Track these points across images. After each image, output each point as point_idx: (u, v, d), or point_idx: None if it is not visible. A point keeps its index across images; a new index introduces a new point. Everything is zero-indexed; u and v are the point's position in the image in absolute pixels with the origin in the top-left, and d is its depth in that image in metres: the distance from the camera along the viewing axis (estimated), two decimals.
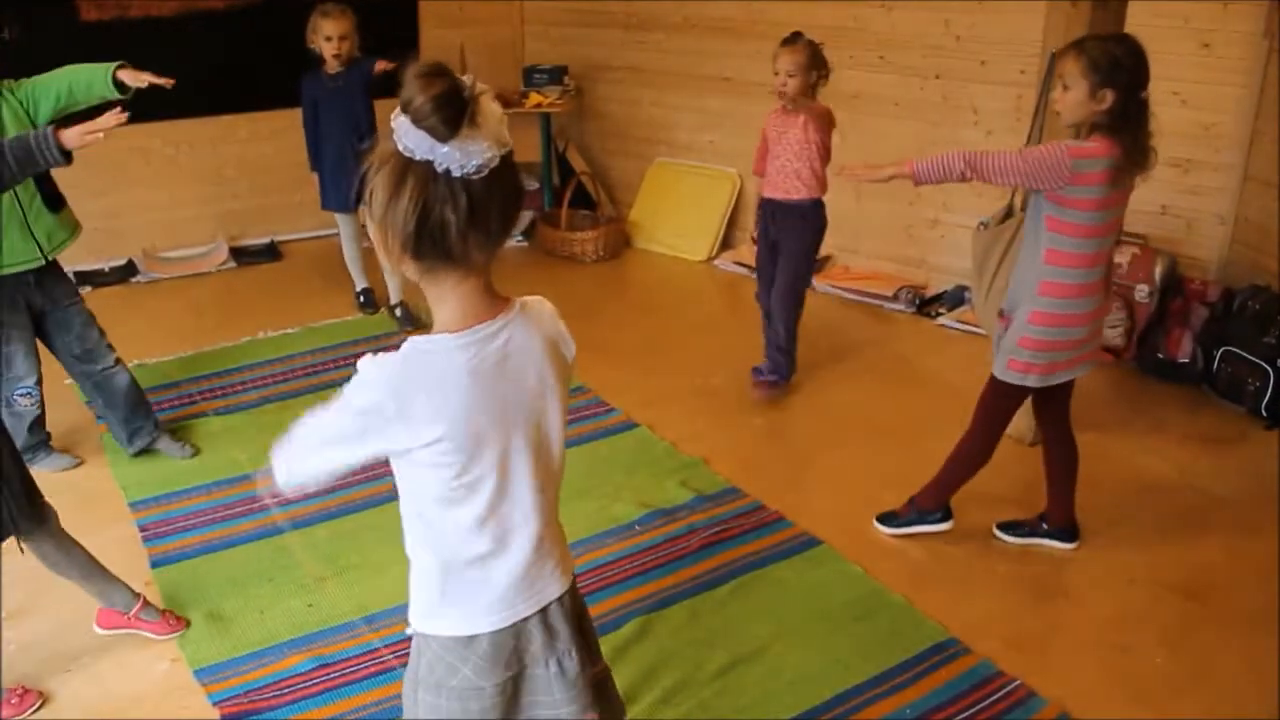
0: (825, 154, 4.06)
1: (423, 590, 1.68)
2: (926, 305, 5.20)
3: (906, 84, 5.26)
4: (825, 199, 4.15)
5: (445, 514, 1.59)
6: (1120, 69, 2.73)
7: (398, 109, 1.41)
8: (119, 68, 3.59)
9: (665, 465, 3.72)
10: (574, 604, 1.77)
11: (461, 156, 1.39)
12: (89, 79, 3.59)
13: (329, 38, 4.79)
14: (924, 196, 5.33)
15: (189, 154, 6.11)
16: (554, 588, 1.71)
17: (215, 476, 3.71)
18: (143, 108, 5.76)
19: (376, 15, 5.21)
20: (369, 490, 3.54)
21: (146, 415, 3.88)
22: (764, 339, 4.38)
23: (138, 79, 3.63)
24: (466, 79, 1.41)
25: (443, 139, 1.38)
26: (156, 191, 6.05)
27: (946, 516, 3.34)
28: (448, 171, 1.39)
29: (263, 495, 1.83)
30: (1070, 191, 2.77)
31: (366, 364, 1.51)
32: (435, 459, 1.53)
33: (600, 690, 1.83)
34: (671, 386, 4.29)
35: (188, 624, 2.96)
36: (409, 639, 1.77)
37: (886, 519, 3.38)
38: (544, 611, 1.70)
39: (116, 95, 3.60)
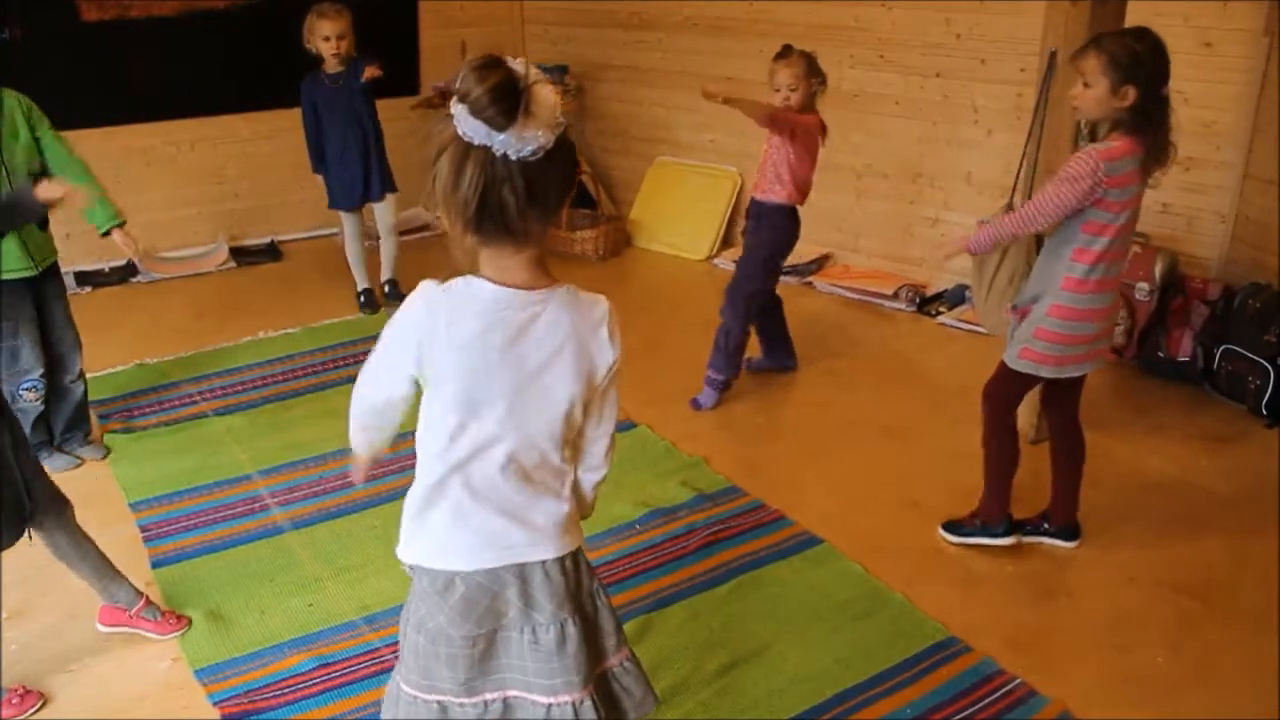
0: (802, 165, 4.03)
1: (407, 515, 1.79)
2: (927, 304, 5.20)
3: (907, 83, 5.26)
4: (801, 208, 4.13)
5: (432, 442, 1.72)
6: (1141, 65, 2.71)
7: (455, 97, 1.49)
8: (118, 226, 3.74)
9: (665, 464, 3.72)
10: (568, 583, 1.80)
11: (518, 142, 1.48)
12: (91, 207, 3.65)
13: (327, 38, 4.82)
14: (924, 196, 5.33)
15: (189, 154, 6.12)
16: (533, 551, 1.76)
17: (216, 477, 3.71)
18: (142, 107, 5.82)
19: (377, 15, 5.22)
20: (370, 490, 3.54)
21: (82, 428, 3.96)
22: (754, 330, 4.40)
23: (126, 244, 3.77)
24: (518, 65, 1.50)
25: (500, 128, 1.47)
26: (157, 191, 6.05)
27: (1009, 531, 3.24)
28: (505, 155, 1.49)
29: (357, 471, 2.04)
30: (1108, 194, 2.75)
31: (425, 283, 1.67)
32: (440, 378, 1.67)
33: (606, 684, 1.87)
34: (671, 385, 4.29)
35: (189, 622, 2.95)
36: None
37: (952, 527, 3.31)
38: (523, 577, 1.76)
39: (101, 226, 3.75)
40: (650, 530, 3.32)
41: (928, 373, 4.51)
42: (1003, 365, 3.10)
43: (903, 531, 3.38)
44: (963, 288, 5.15)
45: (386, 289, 5.37)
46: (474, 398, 1.65)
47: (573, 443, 1.81)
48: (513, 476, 1.72)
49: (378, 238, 5.35)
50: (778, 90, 3.96)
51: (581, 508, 1.91)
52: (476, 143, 1.49)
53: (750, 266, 4.19)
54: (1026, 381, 3.10)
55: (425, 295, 1.65)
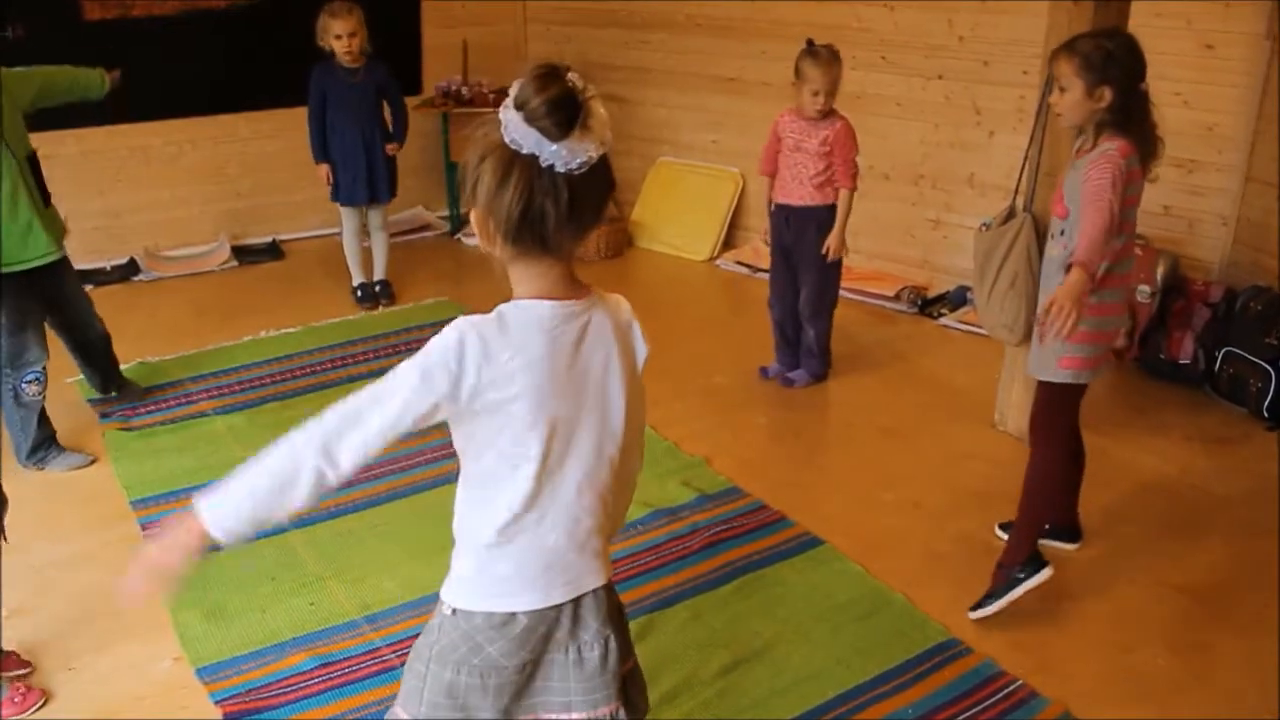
0: (856, 172, 4.10)
1: (464, 563, 1.73)
2: (929, 306, 5.20)
3: (909, 84, 5.27)
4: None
5: (498, 483, 1.64)
6: (1114, 63, 2.69)
7: (507, 103, 1.47)
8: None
9: (667, 465, 3.72)
10: (609, 600, 1.79)
11: (568, 155, 1.46)
12: (75, 77, 3.88)
13: (339, 36, 4.86)
14: (925, 198, 5.34)
15: (191, 153, 6.11)
16: (591, 579, 1.74)
17: (217, 475, 3.63)
18: (144, 106, 5.82)
19: (379, 15, 5.21)
20: (371, 490, 3.56)
21: (115, 370, 4.21)
22: (775, 341, 4.43)
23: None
24: (575, 79, 1.47)
25: (554, 139, 1.45)
26: (158, 190, 6.05)
27: (1042, 565, 2.96)
28: (551, 166, 1.46)
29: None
30: (1127, 190, 2.72)
31: (459, 320, 1.58)
32: (506, 420, 1.59)
33: (626, 686, 1.86)
34: (673, 386, 4.29)
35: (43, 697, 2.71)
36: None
37: (982, 604, 2.96)
38: (577, 601, 1.73)
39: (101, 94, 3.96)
40: (652, 530, 3.32)
41: (929, 374, 4.52)
42: (1045, 388, 2.96)
43: (904, 533, 3.38)
44: (964, 289, 5.15)
45: (378, 289, 5.39)
46: (552, 424, 1.61)
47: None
48: (589, 498, 1.69)
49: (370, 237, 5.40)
50: (815, 94, 3.97)
51: (614, 523, 1.86)
52: (525, 151, 1.46)
53: (825, 275, 4.24)
54: (1074, 393, 2.95)
55: (474, 329, 1.56)
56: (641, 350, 1.73)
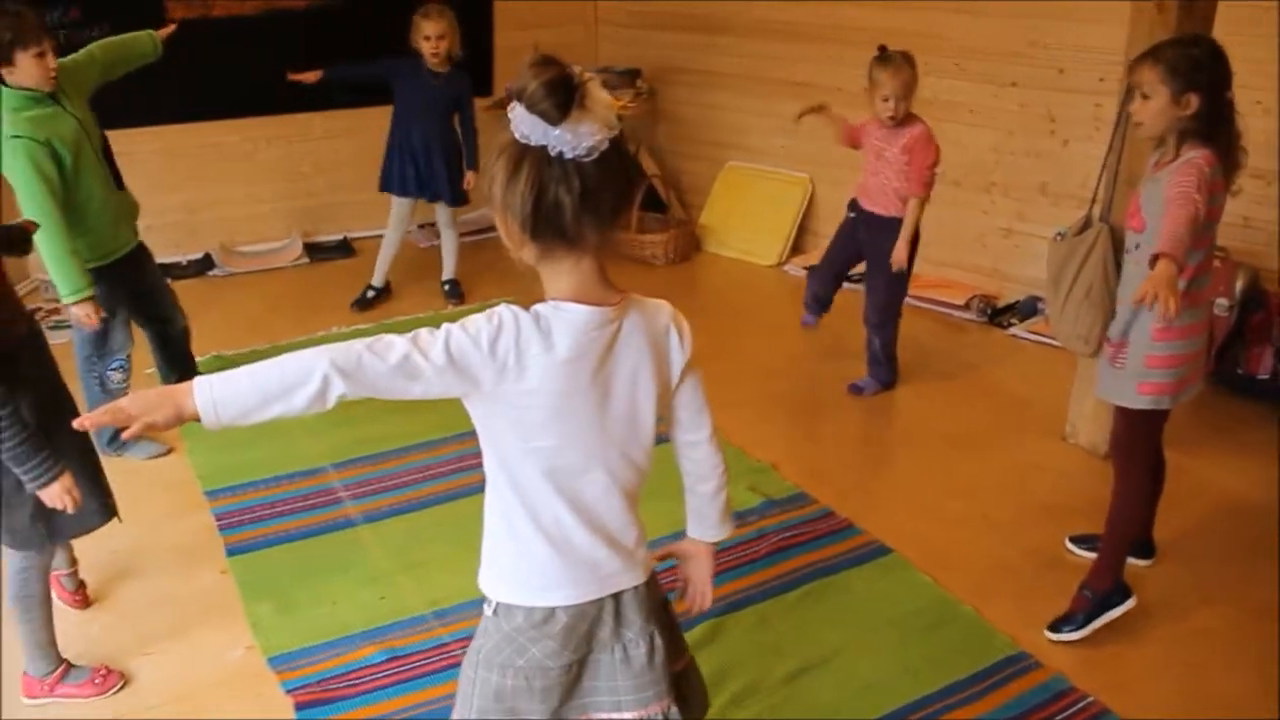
0: (930, 180, 4.07)
1: (497, 553, 1.75)
2: (998, 315, 5.15)
3: (982, 91, 5.21)
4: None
5: (517, 475, 1.66)
6: (1201, 70, 2.62)
7: (512, 99, 1.49)
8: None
9: (734, 469, 3.65)
10: (651, 596, 1.81)
11: (573, 139, 1.46)
12: (128, 45, 4.00)
13: (428, 37, 4.95)
14: (997, 206, 5.28)
15: (266, 150, 6.22)
16: (627, 577, 1.75)
17: (289, 469, 3.77)
18: (221, 104, 5.93)
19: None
20: (439, 487, 3.61)
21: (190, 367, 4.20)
22: (806, 298, 4.51)
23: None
24: (575, 68, 1.49)
25: (554, 122, 1.46)
26: (234, 187, 6.17)
27: (1127, 595, 2.93)
28: (560, 154, 1.47)
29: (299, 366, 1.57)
30: (1211, 201, 2.67)
31: (505, 306, 1.58)
32: (522, 413, 1.60)
33: (679, 685, 1.87)
34: (740, 391, 4.28)
35: (122, 679, 2.78)
36: None
37: (1061, 625, 2.94)
38: (617, 598, 1.75)
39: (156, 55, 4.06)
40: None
41: (999, 385, 4.47)
42: (1124, 413, 2.90)
43: (972, 543, 3.35)
44: (1035, 299, 5.09)
45: (447, 288, 5.44)
46: (570, 426, 1.62)
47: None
48: (615, 499, 1.71)
49: (439, 236, 5.48)
50: (885, 99, 3.95)
51: (710, 530, 1.94)
52: (533, 142, 1.48)
53: (896, 284, 4.23)
54: (1157, 418, 2.89)
55: (513, 318, 1.57)
56: (678, 357, 1.73)
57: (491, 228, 6.45)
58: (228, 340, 4.86)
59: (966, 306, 5.19)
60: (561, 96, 1.45)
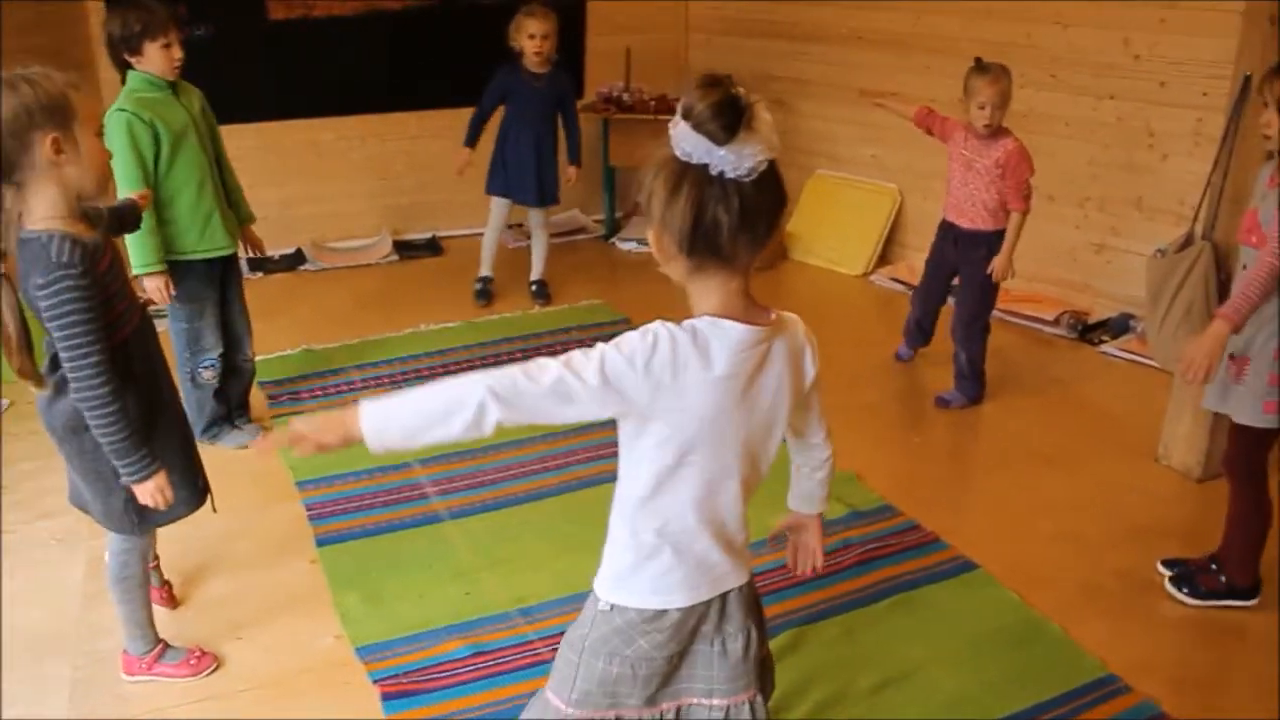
0: (1029, 194, 4.04)
1: (617, 561, 1.78)
2: (1089, 331, 5.06)
3: (1078, 103, 5.13)
4: None
5: (660, 486, 1.69)
6: None
7: (677, 116, 1.52)
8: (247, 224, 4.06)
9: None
10: (750, 592, 1.87)
11: (736, 159, 1.49)
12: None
13: (532, 35, 5.01)
14: (1091, 221, 5.20)
15: (360, 148, 6.33)
16: (735, 577, 1.81)
17: (377, 462, 3.81)
18: (319, 102, 6.05)
19: None
20: (525, 485, 3.65)
21: (245, 407, 4.14)
22: (906, 325, 4.55)
23: (248, 240, 4.12)
24: (740, 88, 1.51)
25: (720, 143, 1.48)
26: (328, 183, 6.29)
27: (1255, 591, 3.02)
28: (722, 174, 1.49)
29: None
30: None
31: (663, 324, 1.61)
32: (674, 431, 1.63)
33: (762, 670, 1.93)
34: (826, 399, 4.22)
35: (216, 661, 2.85)
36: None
37: (1183, 584, 3.08)
38: (724, 596, 1.81)
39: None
40: None
41: (1089, 402, 4.39)
42: (1243, 430, 2.86)
43: (1060, 562, 3.29)
44: (1127, 316, 5.00)
45: (534, 289, 5.49)
46: (718, 441, 1.65)
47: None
48: (740, 505, 1.75)
49: (529, 236, 5.53)
50: (981, 107, 3.93)
51: (815, 506, 2.07)
52: (695, 161, 1.50)
53: (985, 298, 4.21)
54: (1273, 435, 2.85)
55: (669, 337, 1.58)
56: (811, 371, 1.78)
57: (578, 230, 6.56)
58: (317, 334, 4.96)
59: (1056, 322, 5.11)
60: (729, 118, 1.47)
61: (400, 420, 1.62)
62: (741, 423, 1.66)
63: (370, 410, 1.62)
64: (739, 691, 1.85)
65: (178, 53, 3.53)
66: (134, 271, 3.55)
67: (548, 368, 1.58)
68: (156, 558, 3.01)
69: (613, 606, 1.78)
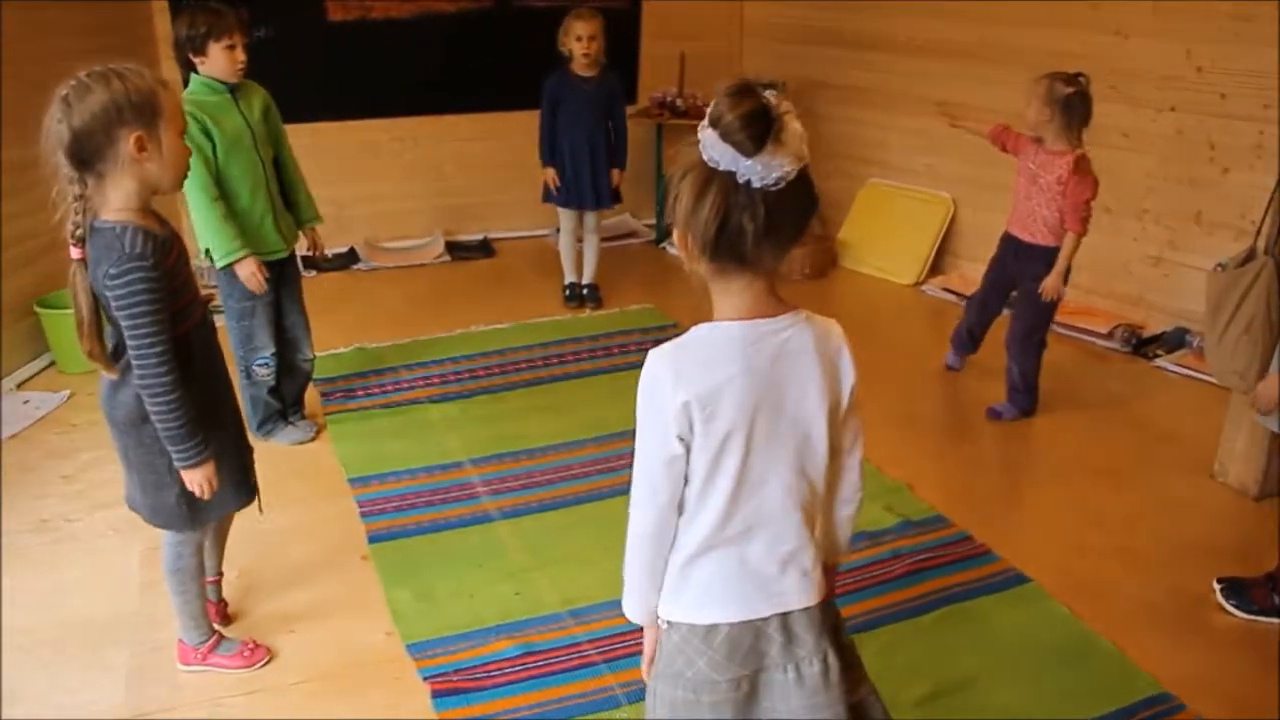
0: (1087, 215, 4.01)
1: (669, 574, 1.75)
2: (1143, 345, 5.00)
3: (1137, 115, 5.08)
4: None
5: (698, 495, 1.67)
6: None
7: (704, 122, 1.50)
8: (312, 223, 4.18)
9: (869, 488, 3.59)
10: (825, 617, 1.77)
11: (763, 170, 1.48)
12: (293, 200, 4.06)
13: (580, 37, 5.05)
14: (1147, 233, 5.14)
15: (414, 149, 6.40)
16: (797, 597, 1.73)
17: (429, 461, 3.86)
18: (375, 103, 6.11)
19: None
20: (575, 488, 3.66)
21: (296, 408, 4.17)
22: (954, 333, 4.52)
23: (309, 239, 4.22)
24: (771, 96, 1.49)
25: (748, 154, 1.47)
26: (381, 183, 6.36)
27: None
28: (748, 182, 1.48)
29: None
30: None
31: (650, 354, 1.64)
32: (706, 439, 1.61)
33: (857, 715, 1.85)
34: (876, 409, 4.24)
35: (269, 654, 2.90)
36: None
37: (1232, 596, 3.08)
38: (785, 617, 1.73)
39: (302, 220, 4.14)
40: (856, 552, 3.28)
41: (1143, 417, 4.35)
42: None
43: (1113, 578, 3.26)
44: (1183, 331, 4.94)
45: (585, 292, 5.51)
46: (743, 441, 1.62)
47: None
48: (791, 514, 1.69)
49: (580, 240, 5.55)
50: (1027, 104, 3.96)
51: (837, 550, 1.89)
52: (721, 168, 1.49)
53: (1039, 313, 4.16)
54: None
55: (663, 362, 1.61)
56: (849, 377, 1.71)
57: (629, 234, 6.58)
58: (369, 333, 5.01)
59: (1110, 335, 5.06)
60: (758, 129, 1.46)
61: (644, 588, 1.77)
62: (769, 420, 1.62)
63: (634, 610, 1.80)
64: None
65: (241, 55, 3.60)
66: (219, 264, 3.64)
67: (651, 481, 1.68)
68: (220, 574, 3.02)
69: (670, 623, 1.75)
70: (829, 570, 1.88)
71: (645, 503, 1.69)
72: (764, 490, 1.67)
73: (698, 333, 1.62)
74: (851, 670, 1.85)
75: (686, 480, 1.67)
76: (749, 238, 1.51)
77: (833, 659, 1.76)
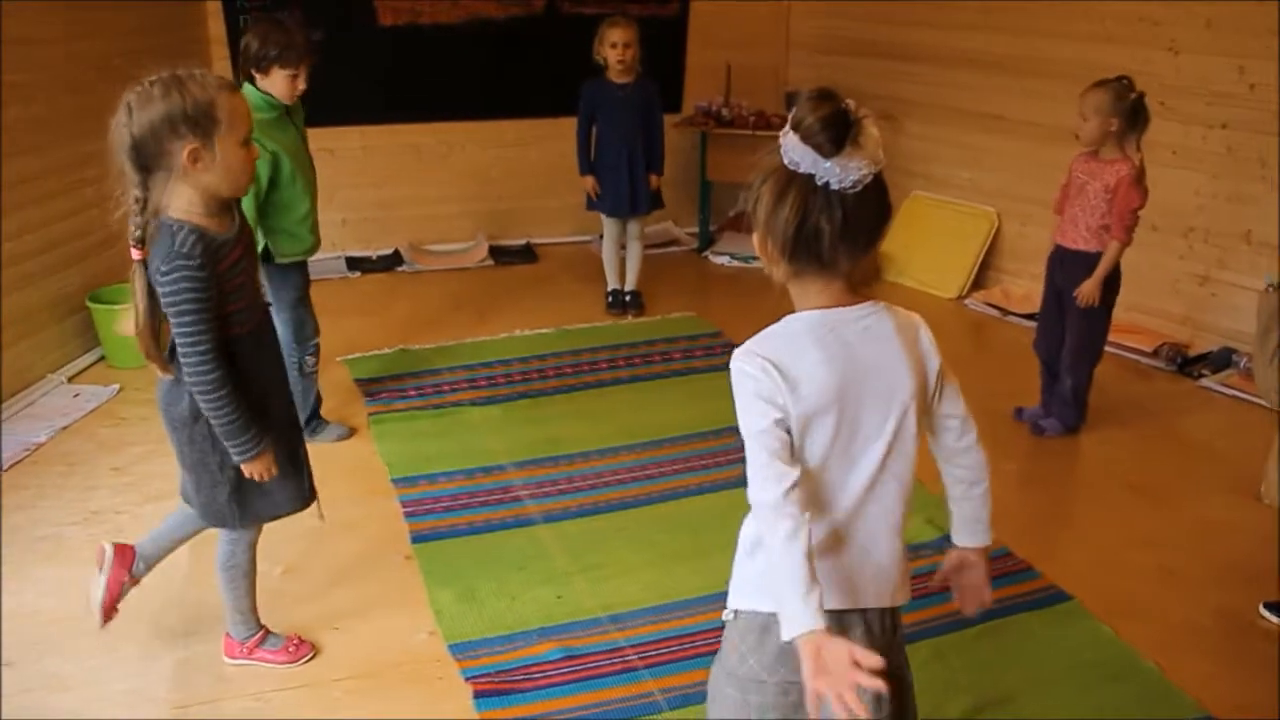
0: (1132, 225, 3.98)
1: (744, 565, 1.74)
2: (1189, 365, 4.96)
3: (1188, 132, 5.05)
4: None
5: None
6: None
7: (787, 126, 1.55)
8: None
9: (913, 501, 3.67)
10: (892, 621, 1.78)
11: (841, 172, 1.51)
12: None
13: (614, 44, 5.08)
14: (1195, 252, 5.10)
15: (459, 154, 6.45)
16: (874, 595, 1.73)
17: (472, 463, 3.88)
18: (421, 107, 6.17)
19: (647, 32, 5.37)
20: (618, 494, 3.69)
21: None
22: (1040, 385, 4.36)
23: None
24: (850, 103, 1.53)
25: (827, 155, 1.51)
26: (426, 187, 6.41)
27: None
28: (827, 185, 1.52)
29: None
30: None
31: (734, 352, 1.63)
32: (795, 424, 1.61)
33: None
34: None
35: (313, 650, 2.92)
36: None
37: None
38: (865, 623, 1.72)
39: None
40: None
41: (1187, 436, 4.31)
42: None
43: (1156, 598, 3.24)
44: (1229, 351, 4.90)
45: (628, 298, 5.54)
46: (832, 425, 1.62)
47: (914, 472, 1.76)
48: (877, 507, 1.69)
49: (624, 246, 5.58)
50: (1084, 119, 3.94)
51: (975, 535, 1.95)
52: (801, 170, 1.52)
53: (1092, 325, 4.15)
54: None
55: (750, 357, 1.60)
56: (933, 360, 1.73)
57: (672, 242, 6.60)
58: (412, 335, 5.06)
59: (1155, 354, 5.03)
60: (838, 131, 1.50)
61: (802, 598, 1.54)
62: (858, 403, 1.62)
63: (793, 628, 1.52)
64: None
65: (302, 84, 3.66)
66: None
67: (762, 470, 1.59)
68: (141, 578, 2.85)
69: (736, 613, 1.75)
70: (984, 555, 1.94)
71: (768, 486, 1.58)
72: (850, 476, 1.66)
73: (777, 325, 1.64)
74: (904, 704, 1.83)
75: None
76: (826, 238, 1.54)
77: (908, 675, 1.76)
